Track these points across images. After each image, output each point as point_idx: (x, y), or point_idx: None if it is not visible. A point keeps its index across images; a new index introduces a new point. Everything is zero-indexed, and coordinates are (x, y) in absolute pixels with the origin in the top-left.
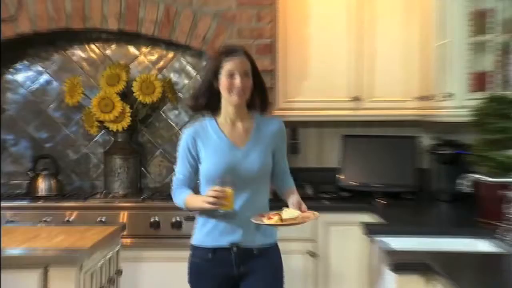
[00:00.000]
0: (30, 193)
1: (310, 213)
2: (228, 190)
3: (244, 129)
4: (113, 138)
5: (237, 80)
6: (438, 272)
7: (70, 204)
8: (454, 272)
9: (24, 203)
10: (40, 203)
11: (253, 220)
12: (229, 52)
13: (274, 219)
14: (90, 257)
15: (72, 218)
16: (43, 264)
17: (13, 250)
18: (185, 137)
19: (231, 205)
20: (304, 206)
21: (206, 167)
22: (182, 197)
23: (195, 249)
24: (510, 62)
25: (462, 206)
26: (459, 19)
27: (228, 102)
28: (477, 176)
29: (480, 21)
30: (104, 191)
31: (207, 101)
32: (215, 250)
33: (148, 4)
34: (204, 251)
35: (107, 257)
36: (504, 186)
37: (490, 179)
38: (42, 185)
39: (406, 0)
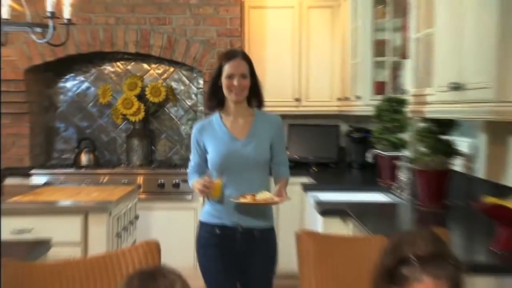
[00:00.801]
0: (76, 164)
1: (279, 197)
2: (217, 182)
3: (245, 123)
4: (132, 126)
5: (235, 81)
6: (351, 215)
7: (103, 171)
8: (361, 215)
9: (71, 170)
10: (82, 171)
11: (231, 199)
12: (229, 56)
13: (248, 198)
14: (116, 206)
15: (104, 180)
16: (84, 211)
17: (64, 202)
18: (194, 131)
19: (217, 195)
20: (283, 192)
21: (210, 155)
22: (191, 181)
23: (203, 225)
24: (399, 75)
25: (368, 171)
26: (366, 45)
27: (229, 100)
28: (377, 151)
29: (379, 47)
30: (126, 162)
31: (215, 100)
32: (222, 227)
33: (156, 34)
34: (212, 227)
35: (128, 206)
36: (395, 158)
37: (386, 153)
38: (84, 158)
39: (331, 31)
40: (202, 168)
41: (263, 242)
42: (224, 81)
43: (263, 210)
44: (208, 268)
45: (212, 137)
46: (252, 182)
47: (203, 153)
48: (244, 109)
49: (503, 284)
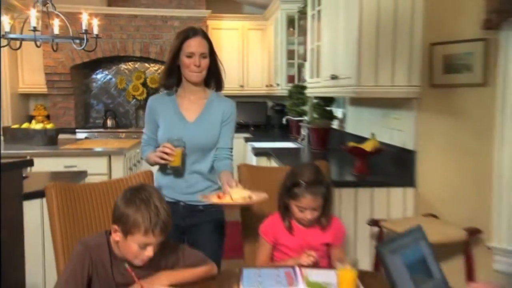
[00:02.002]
0: (104, 126)
1: (260, 195)
2: (177, 149)
3: (198, 104)
4: (139, 103)
5: (195, 60)
6: (272, 155)
7: (120, 130)
8: (278, 155)
9: (101, 130)
10: (108, 130)
11: (200, 197)
12: (189, 34)
13: (226, 198)
14: (128, 151)
15: (122, 136)
16: (109, 154)
17: (97, 148)
18: (148, 104)
19: (178, 162)
20: (233, 181)
21: (159, 133)
22: (145, 153)
23: None
24: (302, 71)
25: (284, 130)
26: (283, 53)
27: (186, 79)
28: (289, 117)
29: (290, 54)
30: (135, 125)
31: (172, 80)
32: (167, 203)
33: (153, 45)
34: None
35: (136, 151)
36: (300, 121)
37: (294, 118)
38: (109, 122)
39: (262, 44)
40: (155, 141)
41: (208, 216)
42: (183, 59)
43: (209, 187)
44: None
45: (164, 114)
46: (199, 163)
47: (155, 127)
48: (200, 90)
49: (358, 192)
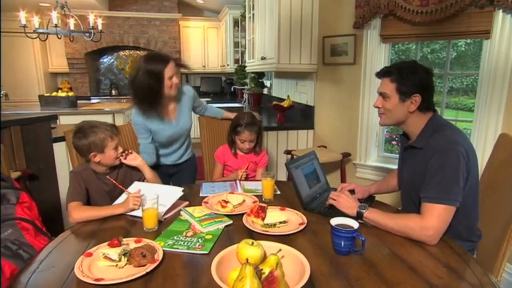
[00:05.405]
0: (110, 94)
1: (255, 202)
2: (149, 210)
3: (174, 107)
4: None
5: (174, 80)
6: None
7: (121, 97)
8: (229, 110)
9: (108, 97)
10: (112, 97)
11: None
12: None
13: (228, 207)
14: (126, 111)
15: (123, 101)
16: (112, 112)
17: (105, 108)
18: (138, 121)
19: (153, 225)
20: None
21: (155, 136)
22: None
23: None
24: (244, 55)
25: (232, 95)
26: (231, 43)
27: (168, 94)
28: (236, 87)
29: (236, 44)
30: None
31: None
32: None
33: (141, 38)
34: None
35: (132, 110)
36: (243, 89)
37: (239, 87)
38: (113, 92)
39: (217, 37)
40: (152, 146)
41: (187, 164)
42: (166, 81)
43: (187, 150)
44: None
45: (152, 124)
46: (182, 144)
47: (149, 133)
48: (174, 98)
49: (278, 133)
